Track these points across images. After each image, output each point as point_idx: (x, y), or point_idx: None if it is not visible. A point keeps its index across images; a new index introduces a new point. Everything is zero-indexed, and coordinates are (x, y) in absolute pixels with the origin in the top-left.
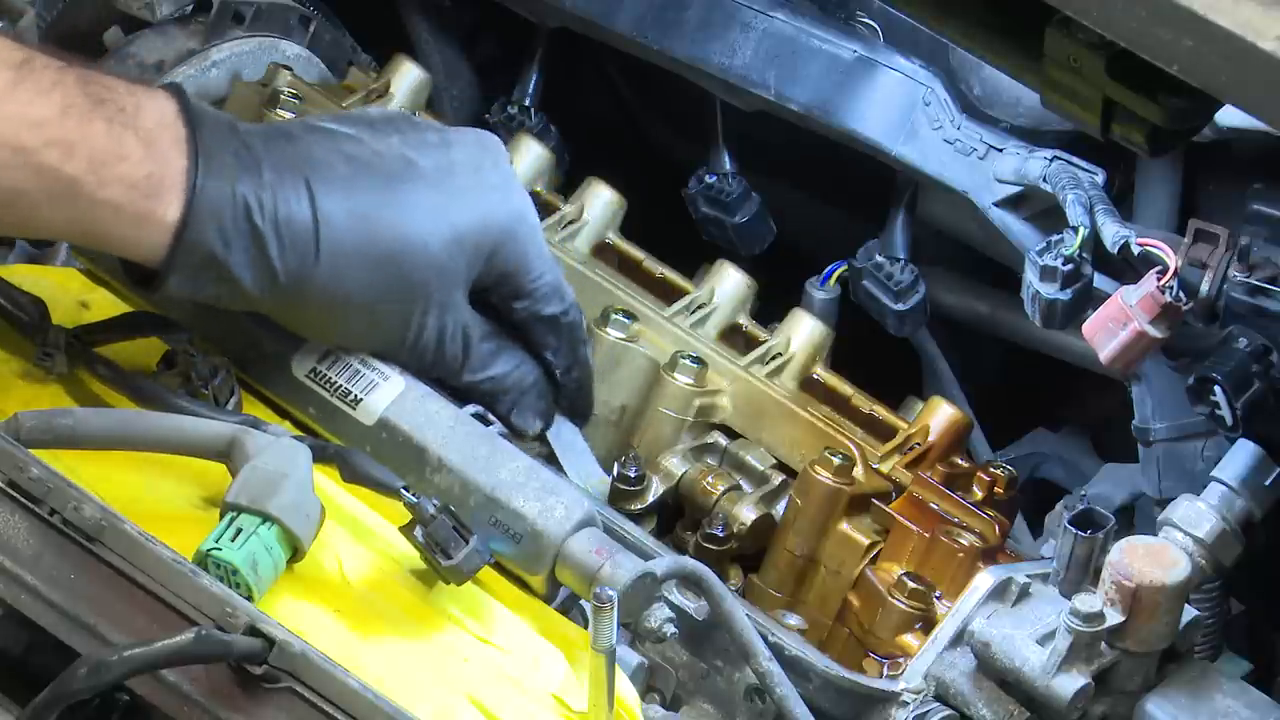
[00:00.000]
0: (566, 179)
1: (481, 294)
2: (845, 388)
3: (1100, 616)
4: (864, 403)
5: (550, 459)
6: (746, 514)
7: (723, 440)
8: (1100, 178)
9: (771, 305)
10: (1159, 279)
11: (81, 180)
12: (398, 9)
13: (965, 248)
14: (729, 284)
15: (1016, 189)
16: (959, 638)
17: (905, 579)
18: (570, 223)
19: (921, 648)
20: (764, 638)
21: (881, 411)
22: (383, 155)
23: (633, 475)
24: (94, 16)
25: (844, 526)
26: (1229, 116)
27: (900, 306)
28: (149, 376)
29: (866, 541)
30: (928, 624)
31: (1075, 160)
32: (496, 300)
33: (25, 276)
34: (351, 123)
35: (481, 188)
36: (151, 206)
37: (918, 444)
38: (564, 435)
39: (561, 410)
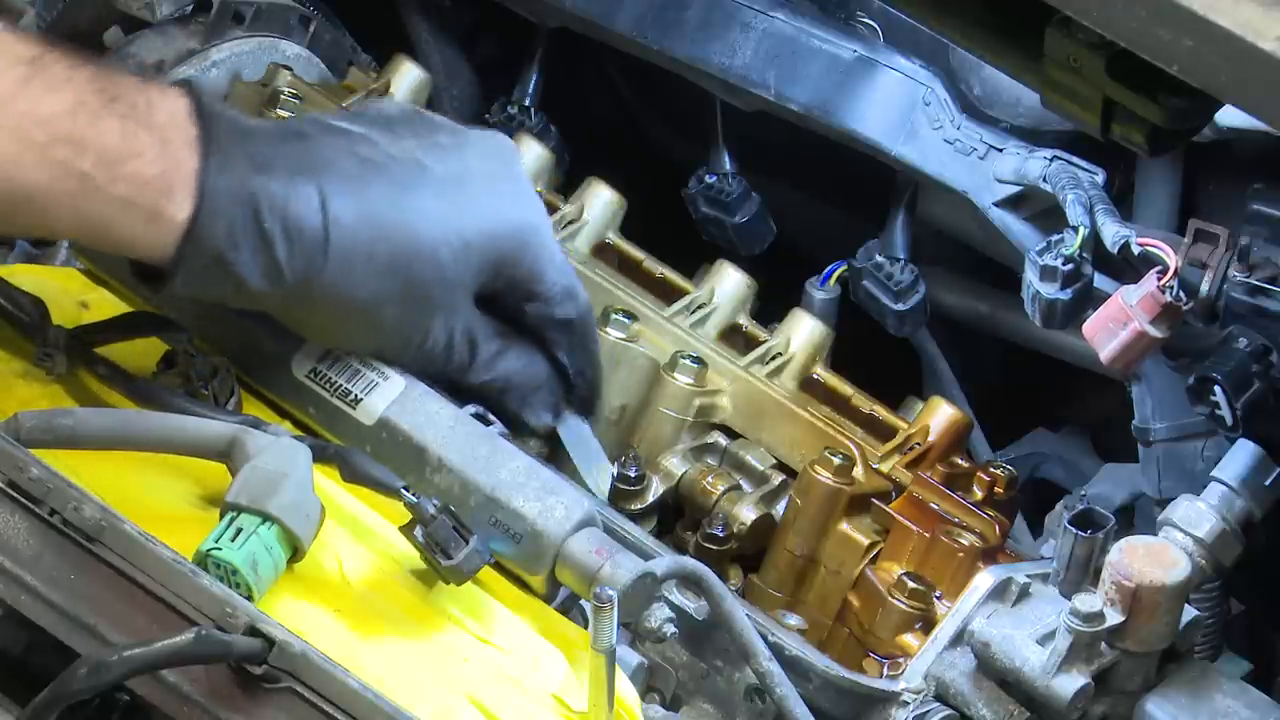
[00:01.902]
0: (566, 179)
1: (492, 296)
2: (845, 388)
3: (1100, 616)
4: (864, 403)
5: (550, 459)
6: (746, 514)
7: (723, 440)
8: (1100, 178)
9: (771, 305)
10: (1159, 279)
11: (92, 177)
12: (398, 9)
13: (965, 248)
14: (729, 284)
15: (1016, 189)
16: (959, 638)
17: (905, 579)
18: (570, 223)
19: (921, 648)
20: (764, 638)
21: (881, 411)
22: (396, 158)
23: (633, 475)
24: (94, 16)
25: (844, 526)
26: (1229, 116)
27: (900, 306)
28: (149, 376)
29: (866, 541)
30: (928, 624)
31: (1075, 160)
32: (509, 303)
33: (25, 276)
34: (367, 122)
35: (493, 195)
36: (162, 205)
37: (918, 444)
38: (574, 429)
39: (571, 408)
